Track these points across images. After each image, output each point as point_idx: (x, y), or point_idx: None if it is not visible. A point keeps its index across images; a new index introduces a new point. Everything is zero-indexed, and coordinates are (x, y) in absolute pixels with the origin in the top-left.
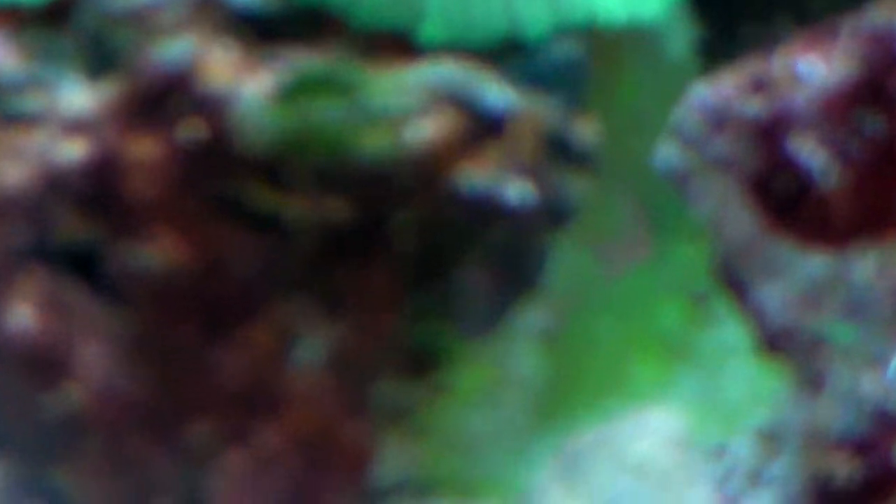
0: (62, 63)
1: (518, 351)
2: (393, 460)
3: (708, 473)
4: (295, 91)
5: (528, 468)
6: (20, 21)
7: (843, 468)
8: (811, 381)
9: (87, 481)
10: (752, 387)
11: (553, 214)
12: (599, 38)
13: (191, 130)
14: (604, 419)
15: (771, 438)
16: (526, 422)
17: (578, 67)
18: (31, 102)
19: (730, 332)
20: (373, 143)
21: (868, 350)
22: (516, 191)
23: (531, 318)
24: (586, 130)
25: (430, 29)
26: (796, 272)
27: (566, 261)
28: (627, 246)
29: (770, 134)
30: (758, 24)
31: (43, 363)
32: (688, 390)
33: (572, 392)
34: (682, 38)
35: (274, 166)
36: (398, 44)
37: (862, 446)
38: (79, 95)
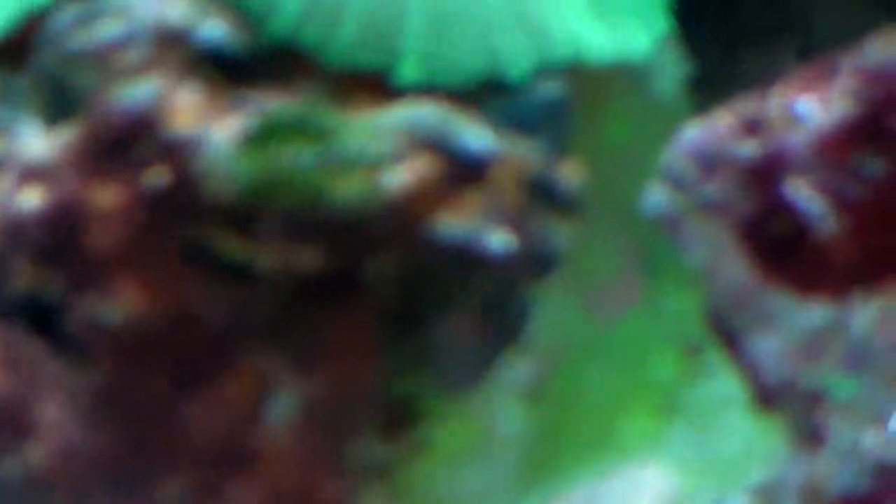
0: (18, 105)
1: (503, 405)
2: None
3: None
4: (265, 135)
5: None
6: None
7: None
8: (810, 436)
9: None
10: (747, 442)
11: (537, 263)
12: (584, 75)
13: (155, 176)
14: (594, 476)
15: (767, 496)
16: (512, 480)
17: (562, 107)
18: None
19: (724, 385)
20: (347, 190)
21: (869, 404)
22: (498, 239)
23: (516, 370)
24: (571, 174)
25: (408, 69)
26: (793, 322)
27: (552, 309)
28: (617, 293)
29: (765, 177)
30: (757, 58)
31: (2, 422)
32: (680, 446)
33: (560, 448)
34: (671, 75)
35: (243, 213)
36: (372, 84)
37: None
38: (37, 140)
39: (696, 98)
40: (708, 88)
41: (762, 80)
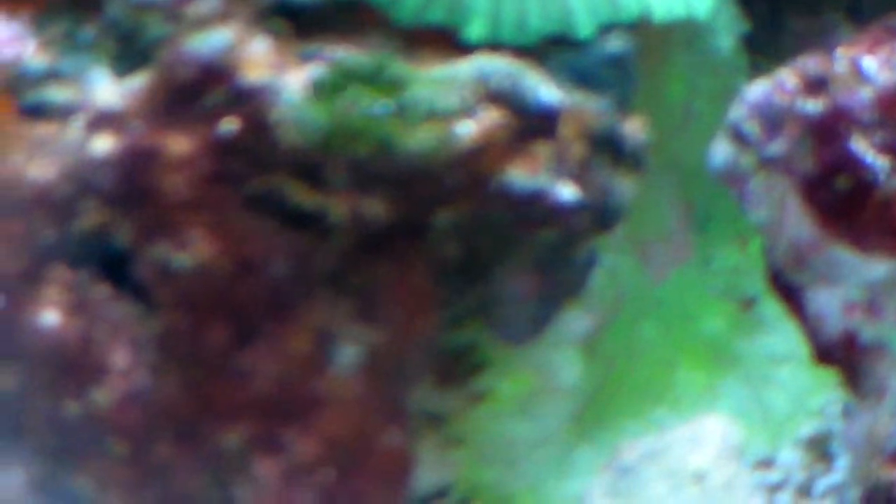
0: (89, 54)
1: (560, 358)
2: (431, 469)
3: (758, 485)
4: (336, 85)
5: (570, 479)
6: (42, 6)
7: None
8: (870, 390)
9: (111, 488)
10: (800, 397)
11: (602, 216)
12: (647, 33)
13: (227, 125)
14: (649, 429)
15: (822, 450)
16: (568, 431)
17: (627, 63)
18: (58, 94)
19: (777, 340)
20: (417, 141)
21: None
22: (568, 191)
23: (574, 324)
24: (636, 129)
25: (477, 27)
26: (855, 277)
27: (610, 264)
28: (672, 248)
29: (829, 134)
30: (805, 19)
31: (69, 366)
32: (734, 399)
33: (616, 400)
34: (729, 34)
35: (313, 163)
36: (440, 39)
37: None
38: (108, 88)
39: (751, 56)
40: (759, 48)
41: (808, 39)
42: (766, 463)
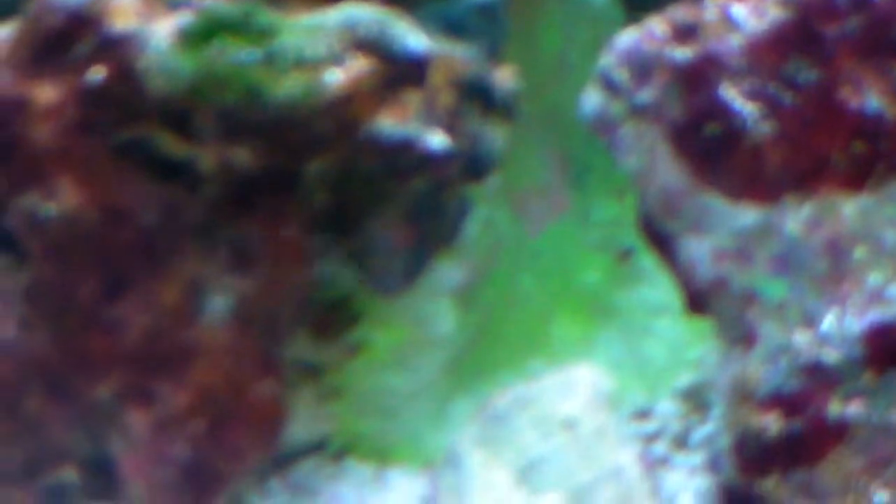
0: None
1: (435, 309)
2: (308, 421)
3: (635, 435)
4: (204, 34)
5: (447, 429)
6: None
7: (774, 425)
8: (741, 337)
9: None
10: (676, 347)
11: (473, 165)
12: None
13: (94, 73)
14: (524, 378)
15: (698, 400)
16: (444, 382)
17: (497, 12)
18: None
19: (653, 291)
20: (286, 89)
21: (799, 306)
22: (437, 139)
23: (448, 274)
24: (506, 78)
25: None
26: (725, 225)
27: (485, 216)
28: (549, 200)
29: (699, 81)
30: None
31: None
32: (612, 350)
33: (492, 351)
34: None
35: (181, 111)
36: None
37: (795, 402)
38: None
39: (625, 8)
40: (639, 3)
41: None
42: (644, 414)
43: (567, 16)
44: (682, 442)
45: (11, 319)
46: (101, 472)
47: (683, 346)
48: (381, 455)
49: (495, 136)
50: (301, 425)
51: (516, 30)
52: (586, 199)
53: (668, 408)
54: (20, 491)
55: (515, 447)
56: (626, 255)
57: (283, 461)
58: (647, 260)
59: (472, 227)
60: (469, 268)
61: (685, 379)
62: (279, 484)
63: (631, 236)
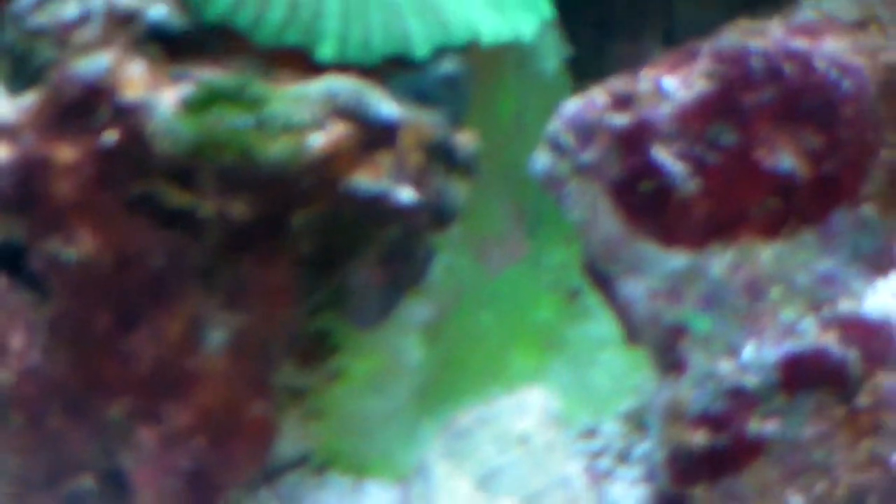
0: None
1: (406, 342)
2: (294, 439)
3: (581, 451)
4: (204, 102)
5: (416, 447)
6: None
7: (702, 441)
8: (673, 366)
9: (9, 454)
10: (620, 375)
11: (438, 216)
12: (482, 57)
13: (108, 136)
14: (484, 402)
15: (637, 421)
16: (414, 406)
17: (460, 82)
18: None
19: (599, 326)
20: (275, 150)
21: (723, 338)
22: (406, 193)
23: (417, 310)
24: (467, 140)
25: (326, 48)
26: (658, 269)
27: (449, 261)
28: (506, 247)
29: (634, 144)
30: (626, 45)
31: None
32: (562, 378)
33: (456, 379)
34: (554, 58)
35: (185, 169)
36: (296, 60)
37: (720, 421)
38: (3, 104)
39: (573, 77)
40: (583, 69)
41: (629, 62)
42: (590, 433)
43: (522, 85)
44: (624, 457)
45: (36, 348)
46: (115, 482)
47: (624, 375)
48: (359, 469)
49: (458, 190)
50: (288, 442)
51: (477, 98)
52: (539, 246)
53: (611, 428)
54: (43, 497)
55: (476, 459)
56: (573, 295)
57: (272, 473)
58: (592, 299)
59: (438, 270)
60: (435, 306)
61: (626, 403)
62: (268, 493)
63: (578, 278)
